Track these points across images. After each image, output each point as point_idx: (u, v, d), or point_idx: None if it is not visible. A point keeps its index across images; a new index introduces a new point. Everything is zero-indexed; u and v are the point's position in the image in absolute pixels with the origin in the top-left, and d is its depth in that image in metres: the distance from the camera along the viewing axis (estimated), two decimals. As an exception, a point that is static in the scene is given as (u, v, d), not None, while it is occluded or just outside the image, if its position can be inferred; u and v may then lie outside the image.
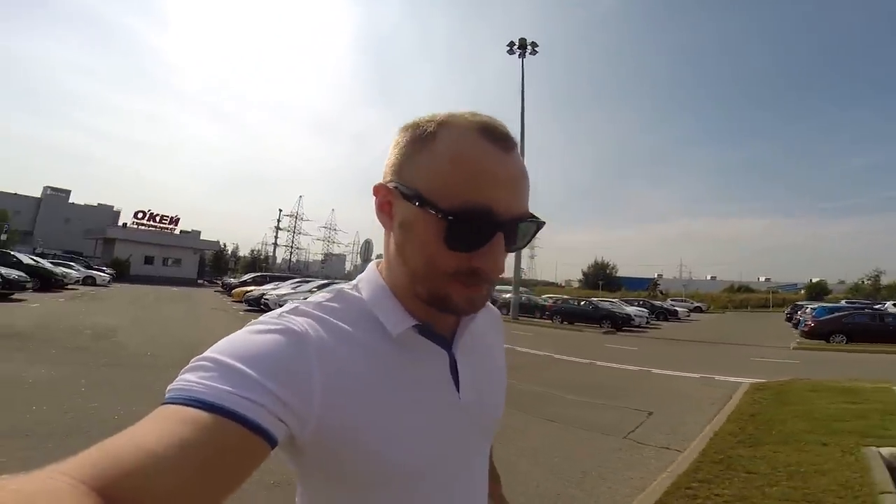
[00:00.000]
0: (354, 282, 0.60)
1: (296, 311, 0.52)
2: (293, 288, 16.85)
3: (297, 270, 65.67)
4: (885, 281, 52.87)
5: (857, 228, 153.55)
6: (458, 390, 0.57)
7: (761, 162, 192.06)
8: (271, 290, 16.64)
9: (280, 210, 74.57)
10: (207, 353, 0.44)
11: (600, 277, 76.09)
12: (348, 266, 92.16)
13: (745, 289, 73.72)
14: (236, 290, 21.71)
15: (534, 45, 25.93)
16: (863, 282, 54.81)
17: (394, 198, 0.53)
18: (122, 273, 35.68)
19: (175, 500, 0.34)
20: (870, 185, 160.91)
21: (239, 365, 0.42)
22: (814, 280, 67.51)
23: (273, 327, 0.47)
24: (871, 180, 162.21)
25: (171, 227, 46.17)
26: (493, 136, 0.50)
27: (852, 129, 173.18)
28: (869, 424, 4.27)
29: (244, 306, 17.38)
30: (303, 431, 0.45)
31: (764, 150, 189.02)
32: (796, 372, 7.94)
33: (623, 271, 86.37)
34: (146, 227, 44.67)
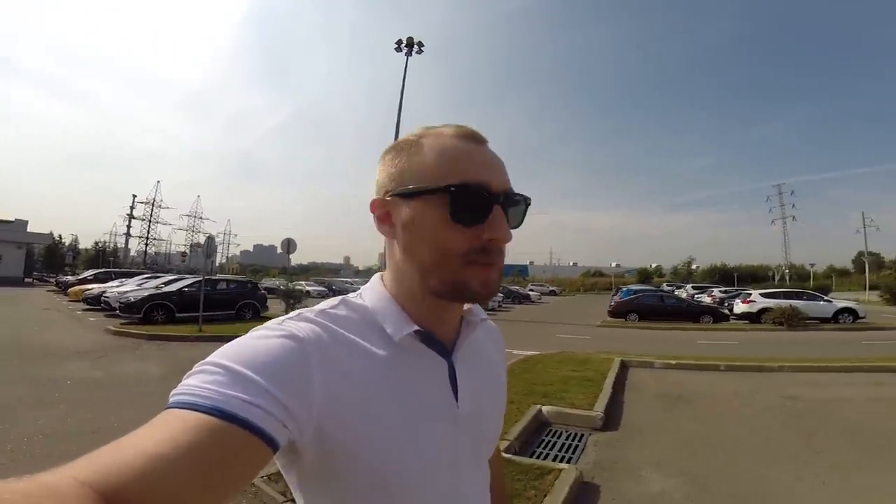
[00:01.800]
0: (358, 291, 0.61)
1: (299, 317, 0.53)
2: (138, 284, 15.92)
3: (154, 264, 59.28)
4: (695, 266, 65.70)
5: (696, 220, 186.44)
6: (457, 400, 0.57)
7: (625, 159, 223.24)
8: (114, 287, 15.62)
9: (134, 196, 66.43)
10: (210, 358, 0.44)
11: None
12: (220, 258, 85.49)
13: (598, 273, 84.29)
14: (73, 288, 19.74)
15: (420, 44, 26.70)
16: (679, 267, 67.47)
17: (392, 206, 0.56)
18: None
19: (177, 503, 0.35)
20: (707, 183, 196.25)
21: (242, 369, 0.42)
22: (652, 266, 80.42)
23: (276, 333, 0.48)
24: (708, 179, 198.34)
25: (-16, 216, 38.70)
26: (466, 135, 0.55)
27: (699, 131, 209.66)
28: (562, 388, 5.47)
29: (83, 305, 16.04)
30: (301, 436, 0.45)
31: (628, 148, 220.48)
32: (583, 345, 9.95)
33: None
34: (-53, 217, 36.88)
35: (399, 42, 26.74)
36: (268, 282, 29.24)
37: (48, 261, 52.28)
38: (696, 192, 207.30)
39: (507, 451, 3.55)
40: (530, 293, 36.24)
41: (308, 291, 31.66)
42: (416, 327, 0.55)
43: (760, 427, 4.60)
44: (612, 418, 4.67)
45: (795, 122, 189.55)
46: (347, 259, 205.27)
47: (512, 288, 36.67)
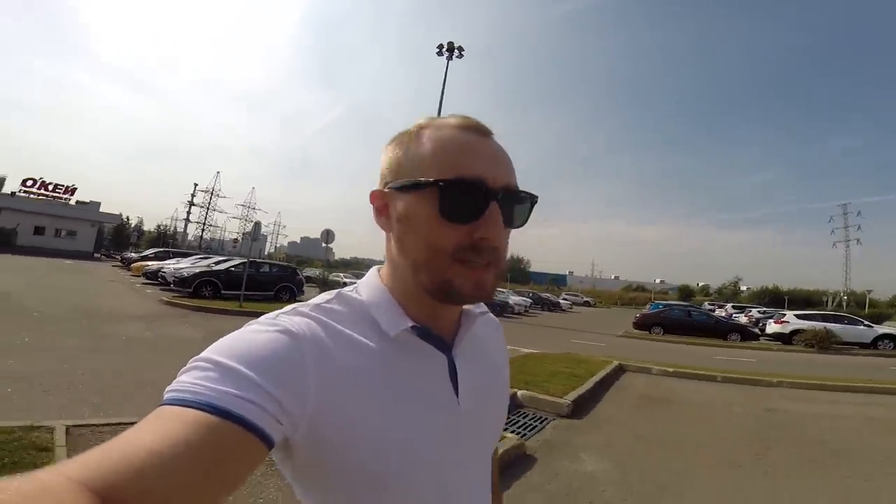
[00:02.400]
0: (355, 285, 0.60)
1: (294, 311, 0.52)
2: (192, 263, 17.54)
3: (209, 248, 63.14)
4: (744, 287, 62.90)
5: (751, 238, 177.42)
6: (457, 395, 0.56)
7: (679, 172, 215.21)
8: (170, 265, 17.28)
9: (195, 185, 71.04)
10: (204, 354, 0.44)
11: (511, 271, 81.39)
12: (268, 248, 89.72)
13: (640, 288, 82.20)
14: (135, 264, 21.72)
15: (460, 48, 27.15)
16: (724, 287, 64.69)
17: (389, 198, 0.55)
18: (7, 243, 33.08)
19: (174, 502, 0.34)
20: (763, 200, 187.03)
21: (236, 365, 0.42)
22: (699, 284, 77.53)
23: (270, 328, 0.48)
24: (767, 196, 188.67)
25: (66, 196, 42.82)
26: (469, 126, 0.53)
27: (759, 145, 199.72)
28: (546, 380, 5.81)
29: (142, 280, 17.86)
30: (295, 432, 0.45)
31: (683, 160, 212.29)
32: (595, 351, 10.07)
33: (537, 266, 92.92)
34: (37, 196, 41.16)
35: (440, 46, 27.09)
36: (309, 271, 30.80)
37: (115, 239, 56.68)
38: (753, 209, 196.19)
39: None
40: (561, 302, 36.18)
41: (345, 283, 33.33)
42: (412, 323, 0.53)
43: (722, 433, 4.85)
44: (581, 409, 5.10)
45: (865, 138, 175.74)
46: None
47: (543, 295, 36.77)
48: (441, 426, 0.54)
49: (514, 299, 25.27)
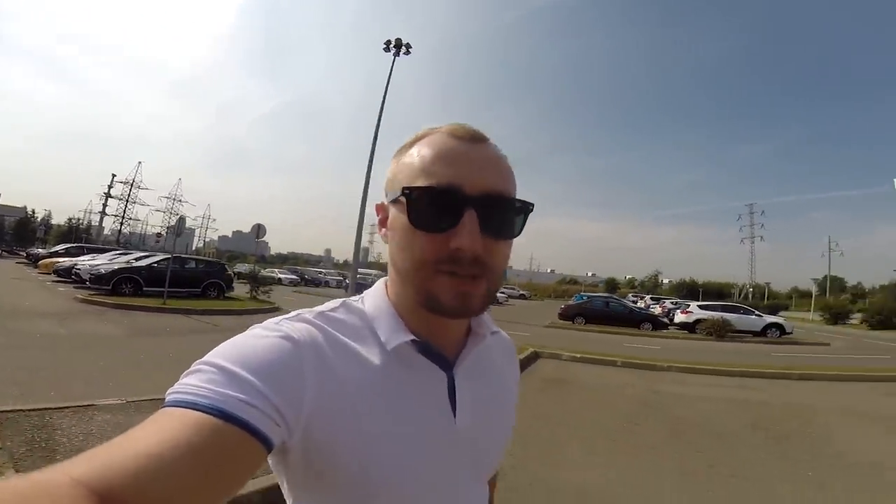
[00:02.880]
0: (361, 295, 0.60)
1: (297, 318, 0.52)
2: (110, 259, 16.49)
3: (128, 244, 58.82)
4: (666, 280, 68.64)
5: (678, 235, 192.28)
6: (455, 415, 0.55)
7: (616, 171, 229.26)
8: (85, 261, 16.18)
9: (113, 175, 65.81)
10: (207, 358, 0.44)
11: None
12: (196, 242, 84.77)
13: (573, 281, 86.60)
14: (44, 261, 20.09)
15: (408, 45, 26.45)
16: (646, 280, 70.21)
17: (387, 210, 0.55)
18: None
19: (174, 502, 0.34)
20: (691, 198, 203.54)
21: (237, 369, 0.42)
22: (627, 277, 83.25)
23: (272, 333, 0.48)
24: (693, 195, 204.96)
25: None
26: (459, 133, 0.52)
27: (688, 147, 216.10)
28: None
29: (53, 277, 16.63)
30: (291, 438, 0.45)
31: (620, 160, 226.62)
32: (519, 340, 10.43)
33: None
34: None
35: (388, 42, 27.48)
36: (241, 266, 29.78)
37: (18, 234, 51.51)
38: (680, 206, 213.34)
39: None
40: (497, 295, 37.27)
41: (280, 279, 32.55)
42: (412, 337, 0.53)
43: (603, 410, 5.52)
44: None
45: (784, 144, 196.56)
46: (328, 251, 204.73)
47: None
48: (435, 444, 0.53)
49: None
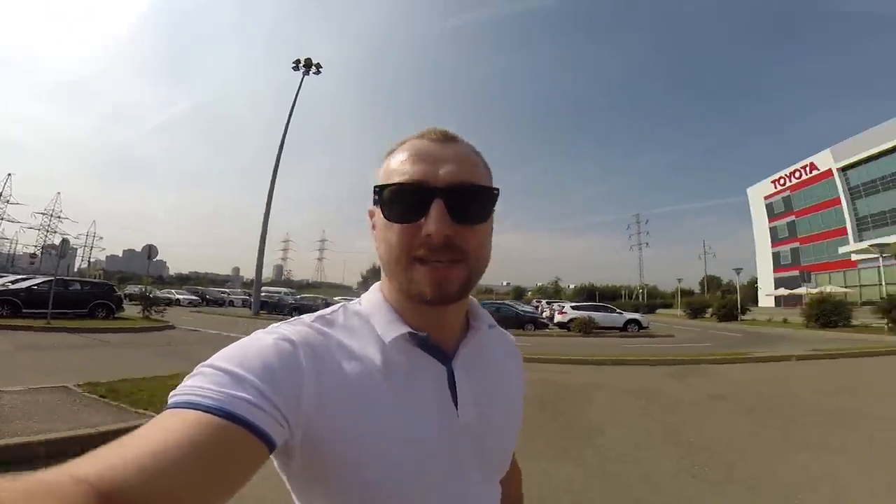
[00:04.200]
0: (359, 299, 0.62)
1: (296, 322, 0.55)
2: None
3: (-6, 266, 51.75)
4: (570, 285, 75.50)
5: (585, 244, 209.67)
6: (457, 407, 0.55)
7: (530, 185, 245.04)
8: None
9: (-28, 188, 57.67)
10: (208, 361, 0.45)
11: (378, 278, 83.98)
12: (79, 262, 76.26)
13: (488, 290, 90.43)
14: None
15: (318, 66, 27.41)
16: (547, 286, 76.61)
17: (373, 213, 0.57)
18: None
19: (179, 501, 0.35)
20: (596, 209, 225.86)
21: (239, 371, 0.44)
22: (538, 284, 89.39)
23: (271, 336, 0.50)
24: (597, 206, 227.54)
25: None
26: (429, 135, 0.56)
27: (586, 166, 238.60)
28: None
29: None
30: (292, 437, 0.46)
31: (534, 175, 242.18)
32: None
33: None
34: None
35: (297, 62, 26.74)
36: (133, 288, 28.20)
37: None
38: (588, 217, 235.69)
39: None
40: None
41: (178, 300, 31.15)
42: (409, 329, 0.54)
43: None
44: None
45: (677, 157, 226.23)
46: (237, 270, 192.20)
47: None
48: (437, 437, 0.53)
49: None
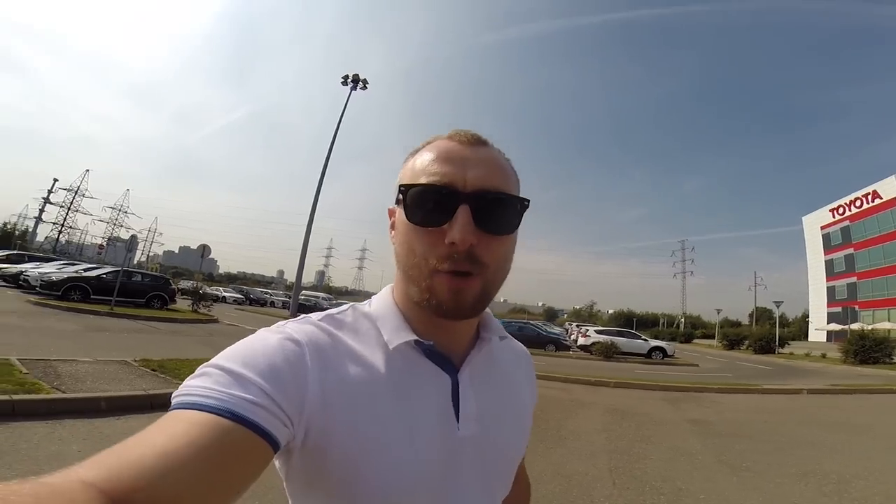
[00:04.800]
0: (369, 299, 0.61)
1: (303, 321, 0.53)
2: (57, 268, 17.42)
3: (65, 253, 56.90)
4: (596, 309, 74.32)
5: (624, 268, 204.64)
6: (458, 422, 0.54)
7: (569, 206, 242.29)
8: (32, 269, 17.08)
9: (55, 180, 63.98)
10: (213, 360, 0.45)
11: None
12: (139, 256, 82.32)
13: (522, 310, 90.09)
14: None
15: (365, 81, 27.61)
16: (582, 309, 75.42)
17: (393, 214, 0.57)
18: None
19: (185, 503, 0.35)
20: (638, 234, 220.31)
21: (243, 370, 0.43)
22: (576, 307, 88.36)
23: (277, 335, 0.49)
24: (640, 230, 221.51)
25: None
26: (459, 137, 0.54)
27: (628, 186, 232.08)
28: None
29: (-4, 283, 17.37)
30: (295, 438, 0.46)
31: (573, 195, 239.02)
32: None
33: None
34: None
35: (345, 77, 27.29)
36: (185, 283, 30.53)
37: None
38: (629, 241, 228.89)
39: None
40: None
41: (224, 297, 33.36)
42: (415, 337, 0.53)
43: None
44: None
45: (709, 181, 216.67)
46: (281, 273, 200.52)
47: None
48: (435, 448, 0.52)
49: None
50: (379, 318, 0.56)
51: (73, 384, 4.48)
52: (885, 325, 26.02)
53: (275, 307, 36.57)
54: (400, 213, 0.53)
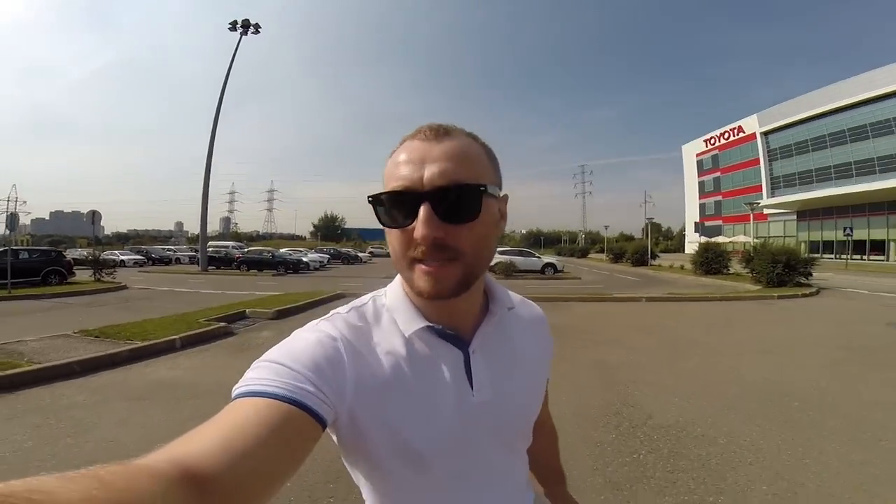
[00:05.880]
0: (386, 287, 0.67)
1: (334, 317, 0.62)
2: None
3: None
4: (511, 230, 79.62)
5: (537, 192, 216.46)
6: (472, 388, 0.61)
7: (484, 136, 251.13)
8: None
9: None
10: (264, 356, 0.54)
11: (329, 229, 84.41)
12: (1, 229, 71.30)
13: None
14: None
15: (257, 26, 26.36)
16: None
17: None
18: None
19: (253, 478, 0.41)
20: (548, 159, 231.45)
21: (291, 363, 0.52)
22: None
23: (316, 333, 0.58)
24: (548, 156, 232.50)
25: None
26: (423, 134, 0.58)
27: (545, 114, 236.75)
28: (271, 303, 10.25)
29: None
30: (338, 419, 0.54)
31: (488, 125, 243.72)
32: (356, 289, 13.46)
33: (355, 223, 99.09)
34: None
35: (234, 22, 25.46)
36: (74, 252, 28.20)
37: None
38: (540, 166, 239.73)
39: (217, 318, 7.88)
40: (360, 255, 40.17)
41: (123, 261, 30.99)
42: (426, 323, 0.60)
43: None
44: (283, 315, 9.12)
45: (623, 111, 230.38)
46: (180, 225, 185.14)
47: (342, 250, 41.68)
48: (451, 416, 0.59)
49: (310, 257, 28.92)
50: (393, 310, 0.63)
51: (41, 357, 5.32)
52: (741, 238, 30.57)
53: (181, 263, 34.90)
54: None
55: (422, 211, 0.54)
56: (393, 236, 0.58)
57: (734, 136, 51.79)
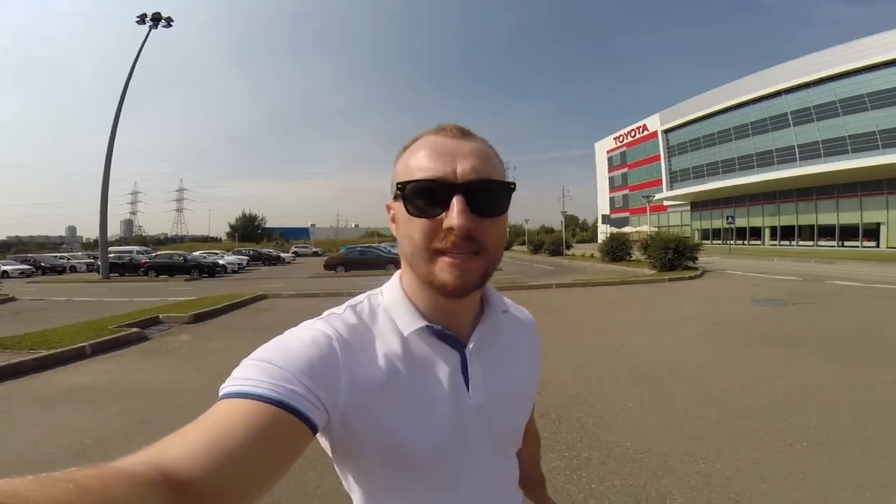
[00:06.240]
0: (382, 287, 0.66)
1: (330, 316, 0.60)
2: None
3: None
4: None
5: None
6: (468, 389, 0.61)
7: (420, 128, 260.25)
8: None
9: None
10: (253, 355, 0.52)
11: (248, 230, 79.66)
12: None
13: (375, 234, 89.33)
14: None
15: (169, 19, 24.65)
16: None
17: (392, 208, 0.61)
18: None
19: (237, 484, 0.39)
20: None
21: (283, 363, 0.49)
22: None
23: (309, 332, 0.56)
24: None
25: None
26: (449, 132, 0.58)
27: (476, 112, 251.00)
28: (186, 308, 9.76)
29: None
30: (331, 421, 0.52)
31: (425, 118, 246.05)
32: (273, 289, 13.50)
33: (276, 222, 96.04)
34: None
35: (142, 16, 23.48)
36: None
37: None
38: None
39: (129, 325, 7.59)
40: (283, 255, 38.54)
41: (5, 272, 27.52)
42: (425, 323, 0.60)
43: (289, 323, 8.86)
44: (201, 318, 8.82)
45: (547, 106, 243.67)
46: (72, 230, 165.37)
47: (262, 250, 39.77)
48: (452, 416, 0.59)
49: (227, 259, 27.37)
50: (391, 309, 0.62)
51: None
52: (644, 229, 33.23)
53: (77, 272, 31.45)
54: (399, 207, 0.57)
55: (456, 202, 0.54)
56: (416, 226, 0.56)
57: (640, 133, 55.20)
